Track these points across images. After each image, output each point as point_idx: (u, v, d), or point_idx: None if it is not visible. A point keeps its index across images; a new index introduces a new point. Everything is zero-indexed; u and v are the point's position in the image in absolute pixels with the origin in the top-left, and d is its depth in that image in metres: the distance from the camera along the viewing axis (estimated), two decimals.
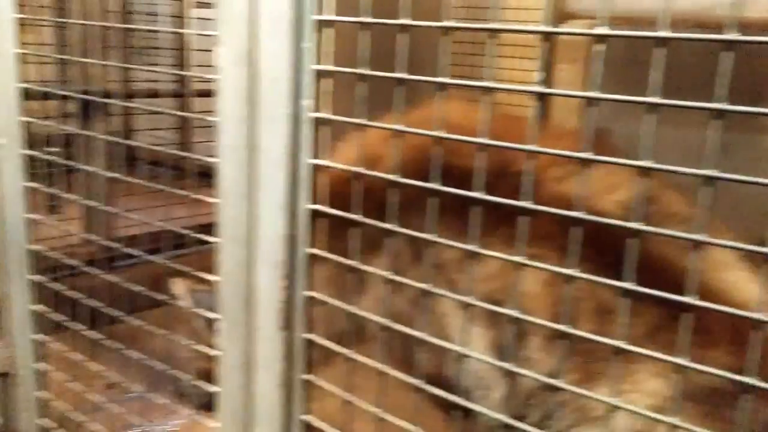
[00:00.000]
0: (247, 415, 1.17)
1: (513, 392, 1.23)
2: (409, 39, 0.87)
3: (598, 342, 0.78)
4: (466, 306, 0.94)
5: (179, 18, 3.95)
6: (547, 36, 0.79)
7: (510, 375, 0.87)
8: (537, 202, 0.82)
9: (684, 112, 0.69)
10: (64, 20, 2.80)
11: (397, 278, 1.00)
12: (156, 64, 4.18)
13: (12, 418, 1.67)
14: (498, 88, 0.81)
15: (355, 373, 1.07)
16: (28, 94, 1.45)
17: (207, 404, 1.29)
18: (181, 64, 4.67)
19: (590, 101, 0.74)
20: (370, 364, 1.04)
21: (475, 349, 1.23)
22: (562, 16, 3.05)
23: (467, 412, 0.96)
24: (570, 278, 0.80)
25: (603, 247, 0.97)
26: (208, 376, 1.25)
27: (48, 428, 1.61)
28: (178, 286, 1.63)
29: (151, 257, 1.34)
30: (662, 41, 0.68)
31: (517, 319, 0.87)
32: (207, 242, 1.16)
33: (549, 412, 1.22)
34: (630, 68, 1.58)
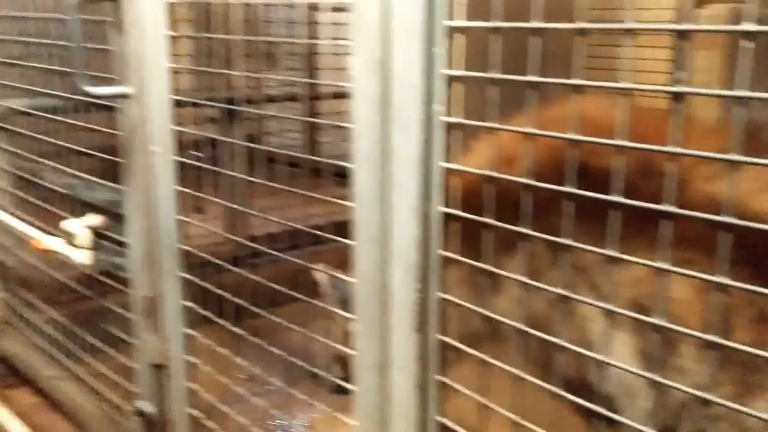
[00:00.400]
0: (383, 415, 1.20)
1: (662, 403, 1.17)
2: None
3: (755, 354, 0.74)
4: (610, 311, 0.91)
5: (311, 24, 4.09)
6: (685, 34, 0.75)
7: (658, 385, 0.83)
8: (685, 203, 0.77)
9: None
10: (210, 35, 2.96)
11: (534, 283, 0.99)
12: (294, 69, 4.36)
13: (165, 408, 1.78)
14: (636, 89, 0.78)
15: (490, 373, 1.07)
16: (177, 104, 1.55)
17: (340, 388, 1.34)
18: (313, 67, 4.83)
19: (739, 100, 0.69)
20: (505, 368, 1.03)
21: (619, 356, 1.19)
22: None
23: (610, 421, 0.93)
24: (720, 287, 0.75)
25: (761, 251, 0.91)
26: (342, 361, 1.28)
27: (196, 418, 1.71)
28: (320, 274, 1.70)
29: (282, 255, 1.40)
30: None
31: (664, 327, 0.84)
32: (343, 238, 1.20)
33: (702, 425, 1.15)
34: None
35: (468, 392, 1.10)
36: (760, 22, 0.67)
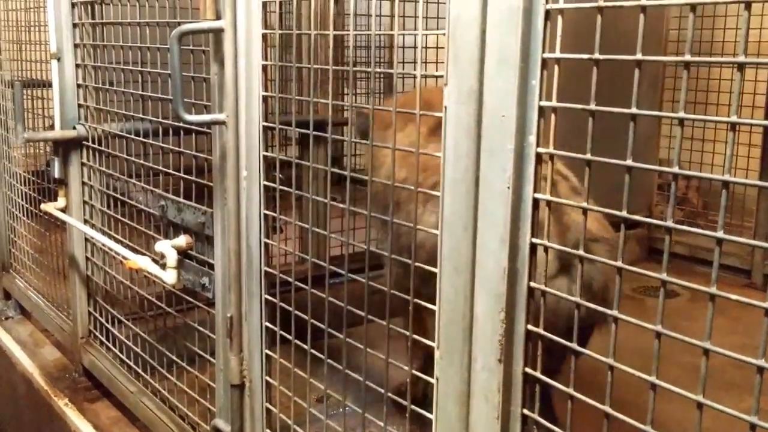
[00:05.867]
0: None
1: None
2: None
3: None
4: None
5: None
6: None
7: None
8: None
9: None
10: (300, 64, 3.06)
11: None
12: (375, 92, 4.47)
13: (242, 427, 1.80)
14: (746, 123, 0.77)
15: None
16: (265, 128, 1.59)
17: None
18: (393, 89, 4.93)
19: None
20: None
21: None
22: None
23: None
24: None
25: None
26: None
27: None
28: None
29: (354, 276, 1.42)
30: None
31: None
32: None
33: None
34: None
35: (549, 425, 1.08)
36: None
